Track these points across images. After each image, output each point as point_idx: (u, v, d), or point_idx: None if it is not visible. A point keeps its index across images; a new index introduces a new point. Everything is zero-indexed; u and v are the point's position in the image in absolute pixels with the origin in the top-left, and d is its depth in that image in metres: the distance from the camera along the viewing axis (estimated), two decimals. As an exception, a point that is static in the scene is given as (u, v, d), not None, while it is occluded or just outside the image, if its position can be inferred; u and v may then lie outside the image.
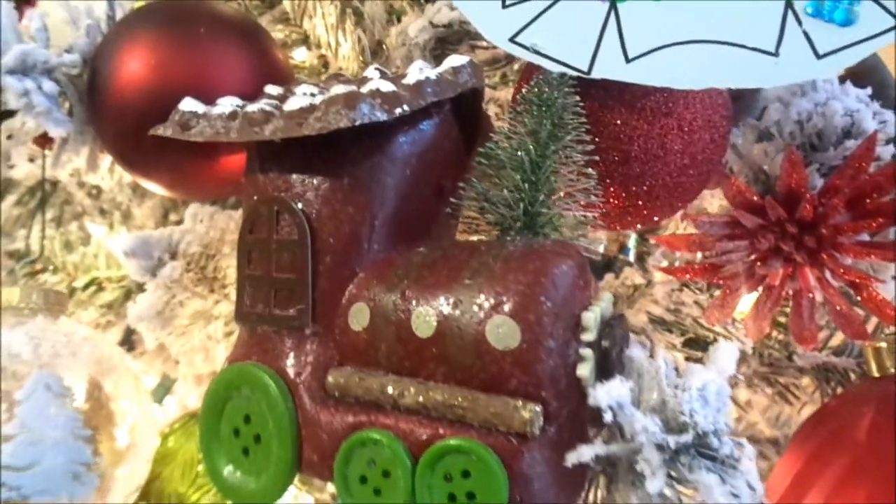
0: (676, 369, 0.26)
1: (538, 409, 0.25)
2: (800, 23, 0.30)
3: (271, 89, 0.34)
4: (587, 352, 0.26)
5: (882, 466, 0.42)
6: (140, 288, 0.45)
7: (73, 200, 0.51)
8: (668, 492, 0.26)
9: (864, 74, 0.55)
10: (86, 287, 0.49)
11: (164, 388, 0.53)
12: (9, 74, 0.34)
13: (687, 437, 0.24)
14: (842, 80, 0.56)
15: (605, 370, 0.26)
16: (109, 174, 0.45)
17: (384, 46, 0.39)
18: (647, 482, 0.24)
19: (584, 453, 0.25)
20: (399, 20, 0.43)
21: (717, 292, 0.44)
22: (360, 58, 0.40)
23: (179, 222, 0.47)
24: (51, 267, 0.48)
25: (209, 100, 0.34)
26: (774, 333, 0.54)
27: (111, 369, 0.37)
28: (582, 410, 0.27)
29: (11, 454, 0.31)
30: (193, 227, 0.37)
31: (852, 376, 0.55)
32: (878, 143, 0.42)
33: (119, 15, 0.41)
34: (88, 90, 0.38)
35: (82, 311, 0.48)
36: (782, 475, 0.47)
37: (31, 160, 0.50)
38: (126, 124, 0.37)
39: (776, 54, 0.30)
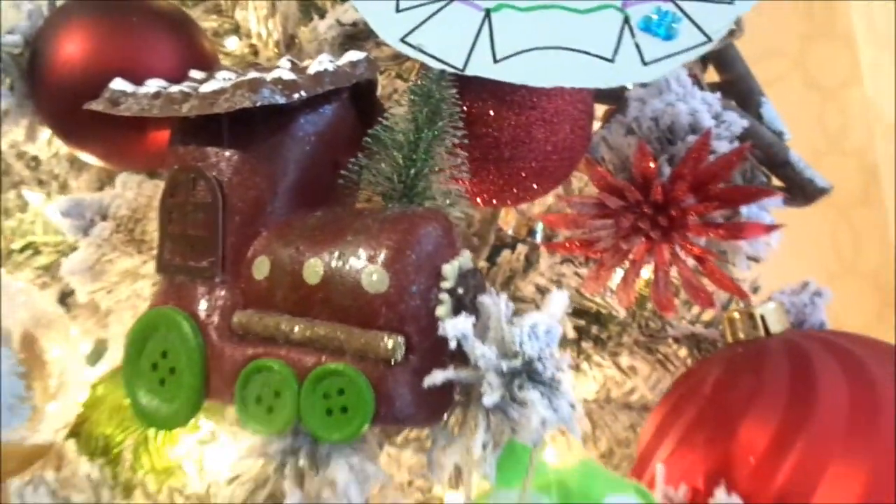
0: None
1: (401, 339, 0.31)
2: (633, 35, 0.36)
3: (195, 74, 0.39)
4: (444, 296, 0.32)
5: (720, 416, 0.49)
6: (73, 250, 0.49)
7: (10, 171, 0.55)
8: (512, 412, 0.32)
9: (733, 82, 0.63)
10: (22, 250, 0.53)
11: (97, 354, 0.57)
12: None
13: (517, 363, 0.31)
14: (716, 86, 0.63)
15: (460, 312, 0.32)
16: (47, 146, 0.50)
17: (296, 41, 0.45)
18: (484, 398, 0.31)
19: (436, 377, 0.31)
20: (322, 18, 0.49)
21: (593, 266, 0.51)
22: (276, 50, 0.45)
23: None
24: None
25: (139, 82, 0.39)
26: (650, 306, 0.61)
27: (45, 318, 0.41)
28: (443, 346, 0.33)
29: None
30: (123, 192, 0.42)
31: (719, 345, 0.63)
32: (725, 140, 0.49)
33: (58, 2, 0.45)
34: (29, 69, 0.42)
35: (19, 273, 0.52)
36: (650, 425, 0.55)
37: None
38: (63, 100, 0.41)
39: (612, 60, 0.36)
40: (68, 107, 0.41)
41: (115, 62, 0.41)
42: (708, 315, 0.65)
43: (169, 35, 0.43)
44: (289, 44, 0.45)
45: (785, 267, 0.60)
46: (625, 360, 0.66)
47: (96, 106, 0.36)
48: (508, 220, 0.67)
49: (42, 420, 0.40)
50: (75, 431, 0.45)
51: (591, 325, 0.62)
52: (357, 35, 0.43)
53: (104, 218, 0.41)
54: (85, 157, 0.44)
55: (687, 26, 0.36)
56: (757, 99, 0.62)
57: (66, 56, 0.41)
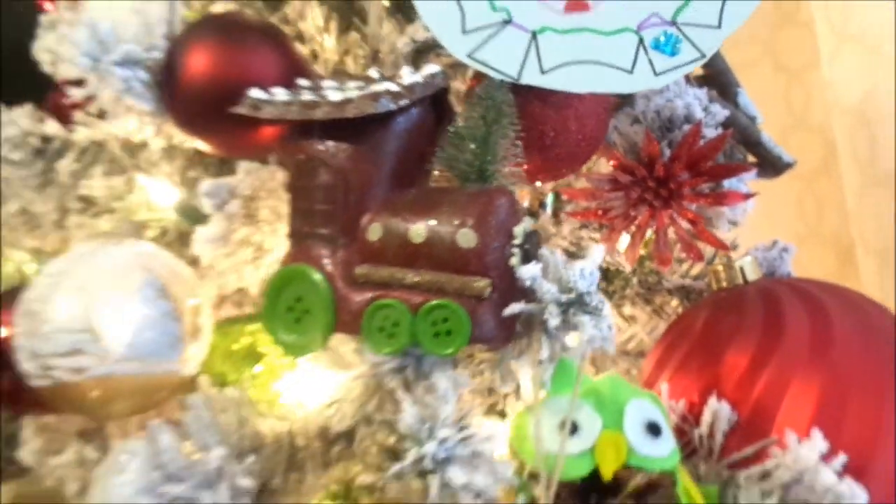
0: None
1: (487, 281, 0.43)
2: (646, 52, 0.48)
3: (302, 82, 0.50)
4: (516, 250, 0.44)
5: (709, 347, 0.62)
6: (177, 227, 0.61)
7: (119, 160, 0.65)
8: (564, 336, 0.44)
9: (715, 76, 0.75)
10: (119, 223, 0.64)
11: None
12: (117, 66, 0.49)
13: (572, 296, 0.43)
14: (700, 79, 0.75)
15: (527, 261, 0.44)
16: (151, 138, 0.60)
17: (379, 54, 0.55)
18: (549, 322, 0.43)
19: (514, 308, 0.43)
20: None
21: (605, 230, 0.63)
22: (357, 62, 0.56)
23: (197, 177, 0.63)
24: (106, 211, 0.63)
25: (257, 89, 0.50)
26: (648, 263, 0.74)
27: (180, 274, 0.52)
28: (514, 286, 0.44)
29: (139, 328, 0.47)
30: (245, 177, 0.53)
31: (704, 294, 0.76)
32: (711, 127, 0.61)
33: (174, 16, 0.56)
34: (163, 78, 0.53)
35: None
36: (650, 360, 0.67)
37: (80, 125, 0.65)
38: (193, 104, 0.52)
39: (631, 72, 0.48)
40: (197, 109, 0.52)
41: (234, 73, 0.52)
42: (696, 270, 0.77)
43: (275, 48, 0.54)
44: (374, 56, 0.55)
45: (758, 229, 0.73)
46: (626, 309, 0.79)
47: (241, 110, 0.47)
48: (523, 195, 0.79)
49: (187, 360, 0.51)
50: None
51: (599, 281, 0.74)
52: (424, 49, 0.54)
53: (233, 197, 0.52)
54: (205, 147, 0.55)
55: (686, 45, 0.48)
56: (734, 90, 0.74)
57: (195, 68, 0.52)
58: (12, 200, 0.67)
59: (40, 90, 0.69)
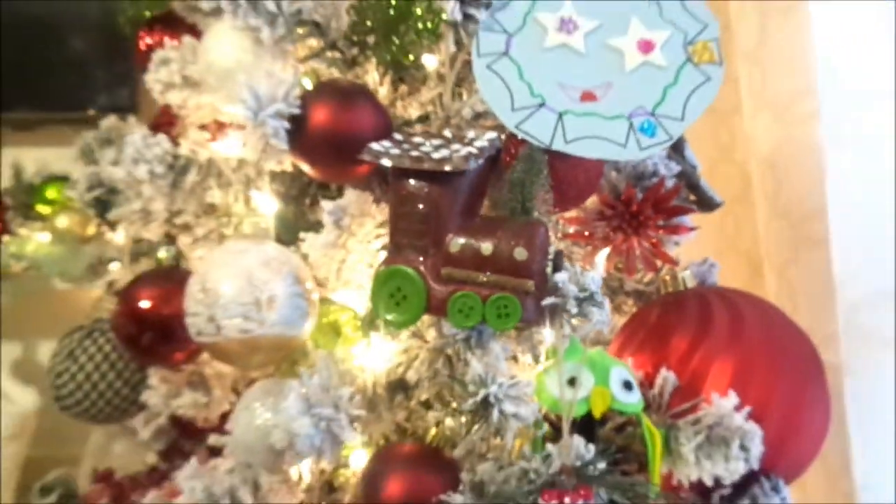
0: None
1: (532, 283, 0.66)
2: (635, 133, 0.72)
3: (397, 135, 0.72)
4: (549, 263, 0.67)
5: (659, 335, 0.86)
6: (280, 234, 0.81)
7: (224, 174, 0.85)
8: (576, 322, 0.68)
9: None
10: (238, 227, 0.84)
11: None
12: (270, 118, 0.69)
13: (586, 293, 0.66)
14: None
15: (556, 270, 0.67)
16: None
17: (450, 119, 0.77)
18: (570, 310, 0.66)
19: (548, 300, 0.66)
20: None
21: (589, 248, 0.87)
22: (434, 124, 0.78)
23: (299, 195, 0.83)
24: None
25: (366, 139, 0.71)
26: (613, 271, 0.98)
27: (301, 265, 0.73)
28: (547, 286, 0.67)
29: (283, 303, 0.67)
30: (350, 199, 0.74)
31: (654, 297, 1.01)
32: (669, 177, 0.86)
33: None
34: (292, 125, 0.73)
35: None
36: (614, 345, 0.92)
37: (197, 146, 0.84)
38: (316, 146, 0.73)
39: (625, 146, 0.72)
40: (318, 150, 0.73)
41: (344, 125, 0.73)
42: (647, 278, 1.02)
43: (372, 106, 0.75)
44: (447, 120, 0.77)
45: (688, 243, 0.98)
46: (595, 305, 1.03)
47: (365, 157, 0.68)
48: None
49: (307, 327, 0.72)
50: (303, 337, 0.77)
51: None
52: (480, 116, 0.76)
53: (345, 215, 0.73)
54: (315, 175, 0.75)
55: (661, 130, 0.72)
56: (683, 144, 0.99)
57: (317, 121, 0.73)
58: (136, 201, 0.85)
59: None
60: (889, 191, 0.80)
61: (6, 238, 1.56)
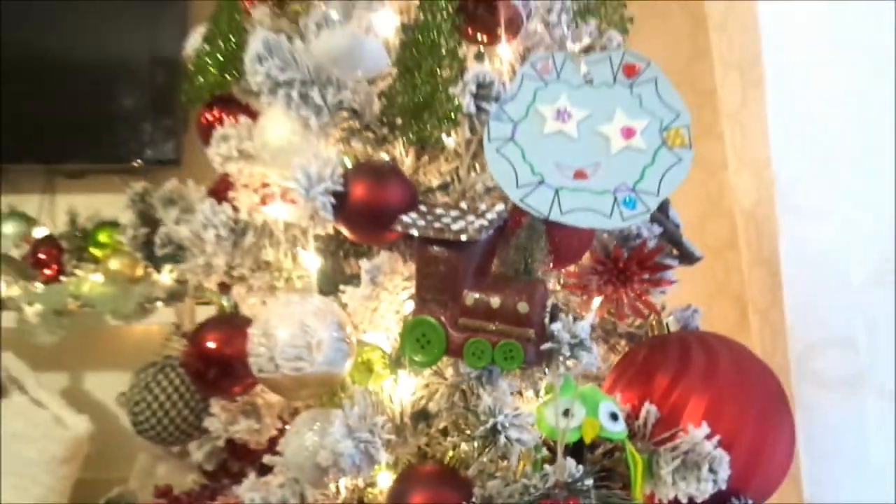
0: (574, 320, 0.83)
1: (532, 332, 0.80)
2: (618, 206, 0.87)
3: (422, 207, 0.87)
4: (547, 315, 0.82)
5: (645, 373, 1.00)
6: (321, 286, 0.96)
7: (274, 235, 1.01)
8: (570, 363, 0.82)
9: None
10: (287, 280, 0.99)
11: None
12: (320, 194, 0.85)
13: (576, 340, 0.81)
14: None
15: (552, 320, 0.82)
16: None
17: (465, 192, 0.93)
18: (563, 354, 0.80)
19: (546, 346, 0.81)
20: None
21: (584, 297, 1.02)
22: (452, 196, 0.94)
23: (336, 252, 0.99)
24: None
25: (397, 211, 0.87)
26: (607, 316, 1.12)
27: (342, 314, 0.88)
28: (545, 334, 0.82)
29: (328, 347, 0.82)
30: (383, 259, 0.89)
31: (643, 338, 1.15)
32: (653, 237, 1.01)
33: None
34: (339, 200, 0.88)
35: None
36: (608, 380, 1.06)
37: (251, 210, 1.00)
38: (356, 216, 0.88)
39: (610, 217, 0.87)
40: (357, 219, 0.89)
41: (379, 199, 0.89)
42: (637, 323, 1.16)
43: (402, 182, 0.91)
44: (463, 193, 0.93)
45: (682, 284, 1.12)
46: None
47: (397, 227, 0.83)
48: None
49: (347, 366, 0.87)
50: (340, 374, 0.92)
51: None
52: (490, 189, 0.92)
53: (379, 273, 0.88)
54: (354, 237, 0.91)
55: (640, 203, 0.87)
56: (667, 206, 1.14)
57: (356, 195, 0.88)
58: (201, 257, 1.01)
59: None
60: (835, 251, 0.93)
61: (63, 279, 1.72)
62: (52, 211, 2.03)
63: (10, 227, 1.82)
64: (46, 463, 1.52)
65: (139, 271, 1.72)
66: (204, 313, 1.66)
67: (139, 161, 1.94)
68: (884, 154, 0.94)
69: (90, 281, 1.71)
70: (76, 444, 1.57)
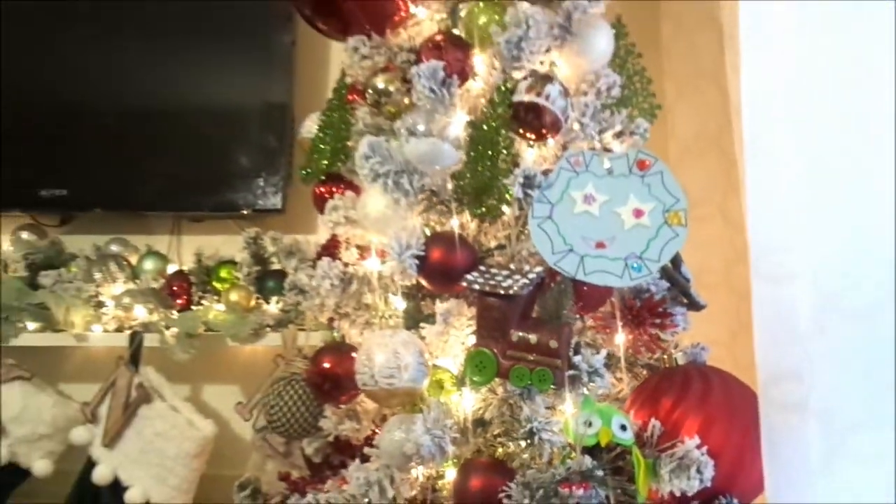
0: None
1: (560, 361, 1.11)
2: (629, 270, 1.17)
3: (482, 267, 1.19)
4: (571, 349, 1.12)
5: (656, 397, 1.28)
6: (405, 322, 1.29)
7: (371, 283, 1.34)
8: (591, 385, 1.12)
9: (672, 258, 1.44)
10: (381, 317, 1.33)
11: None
12: (409, 258, 1.18)
13: (592, 369, 1.11)
14: (662, 256, 1.44)
15: (575, 354, 1.12)
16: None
17: (514, 256, 1.25)
18: (584, 379, 1.10)
19: (569, 373, 1.11)
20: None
21: (607, 336, 1.31)
22: (504, 257, 1.25)
23: (416, 296, 1.32)
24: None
25: (463, 270, 1.19)
26: (631, 351, 1.41)
27: (421, 343, 1.20)
28: (569, 364, 1.12)
29: (413, 368, 1.14)
30: (453, 304, 1.21)
31: (659, 369, 1.43)
32: (663, 288, 1.30)
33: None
34: (421, 261, 1.21)
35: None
36: (629, 402, 1.34)
37: (354, 263, 1.34)
38: (434, 273, 1.21)
39: (621, 278, 1.17)
40: (434, 275, 1.21)
41: (450, 260, 1.21)
42: (655, 356, 1.45)
43: (467, 247, 1.23)
44: (512, 257, 1.24)
45: (713, 323, 1.39)
46: (618, 374, 1.46)
47: (463, 283, 1.15)
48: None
49: (425, 382, 1.19)
50: (419, 389, 1.24)
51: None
52: (532, 254, 1.23)
53: (451, 315, 1.20)
54: (432, 290, 1.23)
55: (645, 268, 1.17)
56: (679, 262, 1.42)
57: (433, 257, 1.21)
58: (317, 298, 1.35)
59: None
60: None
61: (193, 308, 2.11)
62: (179, 249, 2.44)
63: (149, 264, 2.23)
64: (182, 458, 1.89)
65: (252, 302, 2.10)
66: (303, 337, 2.03)
67: (250, 209, 2.31)
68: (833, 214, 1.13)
69: (214, 310, 2.09)
70: (205, 442, 1.93)
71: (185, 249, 2.42)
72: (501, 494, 1.09)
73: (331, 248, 1.43)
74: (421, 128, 1.24)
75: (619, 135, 1.40)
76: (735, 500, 1.22)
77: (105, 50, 2.34)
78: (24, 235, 2.34)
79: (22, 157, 2.32)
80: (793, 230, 1.13)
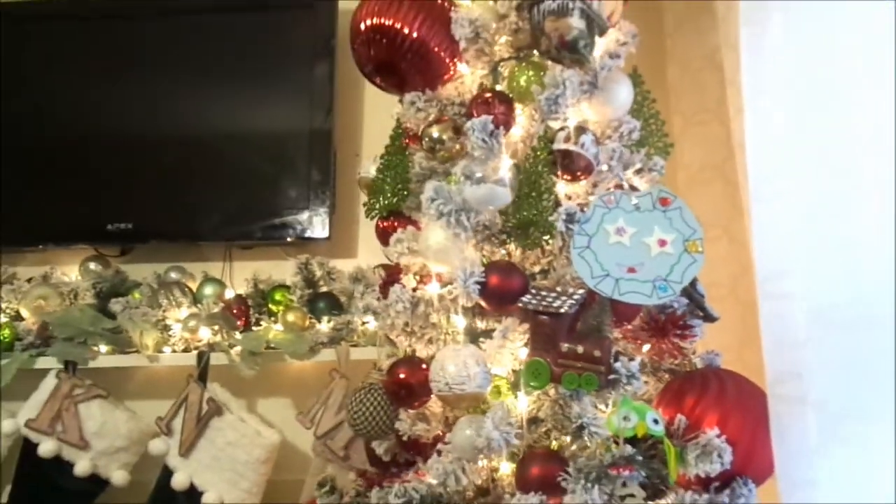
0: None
1: (604, 367, 1.34)
2: (657, 290, 1.40)
3: (533, 290, 1.43)
4: (612, 358, 1.36)
5: (679, 395, 1.52)
6: (465, 337, 1.53)
7: (435, 304, 1.58)
8: (627, 388, 1.35)
9: (686, 274, 1.68)
10: (444, 334, 1.56)
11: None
12: (473, 284, 1.41)
13: (630, 373, 1.34)
14: (680, 275, 1.68)
15: (615, 361, 1.36)
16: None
17: (559, 281, 1.48)
18: (623, 381, 1.34)
19: (610, 377, 1.34)
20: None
21: (637, 344, 1.55)
22: (550, 281, 1.49)
23: (477, 315, 1.55)
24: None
25: (518, 293, 1.42)
26: (655, 357, 1.64)
27: (481, 353, 1.43)
28: (610, 370, 1.36)
29: (479, 377, 1.37)
30: (509, 322, 1.45)
31: (680, 372, 1.66)
32: (682, 304, 1.54)
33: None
34: (480, 285, 1.45)
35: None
36: (657, 398, 1.58)
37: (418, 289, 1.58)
38: (493, 297, 1.45)
39: (650, 297, 1.40)
40: (493, 299, 1.45)
41: (506, 285, 1.45)
42: (677, 362, 1.68)
43: (520, 274, 1.47)
44: (559, 280, 1.48)
45: (728, 331, 1.62)
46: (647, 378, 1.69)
47: (518, 304, 1.38)
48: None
49: (488, 388, 1.42)
50: (481, 394, 1.48)
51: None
52: (575, 278, 1.47)
53: (508, 331, 1.44)
54: (491, 310, 1.47)
55: (669, 289, 1.41)
56: (695, 282, 1.66)
57: (492, 283, 1.45)
58: (388, 318, 1.59)
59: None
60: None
61: (253, 329, 2.34)
62: (231, 275, 2.67)
63: (208, 290, 2.46)
64: (252, 464, 2.12)
65: (307, 322, 2.33)
66: (355, 352, 2.25)
67: (296, 237, 2.53)
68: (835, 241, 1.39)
69: (273, 330, 2.32)
70: (272, 449, 2.16)
71: (236, 275, 2.65)
72: (559, 478, 1.33)
73: (394, 275, 1.67)
74: (478, 174, 1.48)
75: (638, 171, 1.64)
76: (750, 480, 1.45)
77: (167, 90, 2.59)
78: (92, 266, 2.58)
79: (90, 193, 2.56)
80: (792, 258, 1.37)
